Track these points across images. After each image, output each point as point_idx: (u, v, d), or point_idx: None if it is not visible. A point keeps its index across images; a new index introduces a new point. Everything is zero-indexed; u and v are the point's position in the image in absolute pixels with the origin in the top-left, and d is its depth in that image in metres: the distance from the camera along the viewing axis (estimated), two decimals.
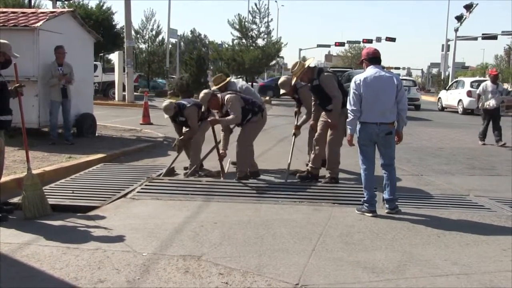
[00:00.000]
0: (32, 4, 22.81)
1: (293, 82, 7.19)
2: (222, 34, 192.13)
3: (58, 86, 9.25)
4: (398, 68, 66.32)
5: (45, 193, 5.38)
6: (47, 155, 7.96)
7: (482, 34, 40.38)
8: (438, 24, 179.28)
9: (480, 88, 12.06)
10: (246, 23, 32.16)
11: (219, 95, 6.95)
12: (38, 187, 5.25)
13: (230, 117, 6.66)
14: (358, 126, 5.41)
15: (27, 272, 3.70)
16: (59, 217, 5.07)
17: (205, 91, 6.91)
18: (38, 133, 9.49)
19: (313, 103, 7.24)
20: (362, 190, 5.47)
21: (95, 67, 20.34)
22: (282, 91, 7.76)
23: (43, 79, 9.33)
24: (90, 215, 5.16)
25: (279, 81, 7.81)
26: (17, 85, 5.30)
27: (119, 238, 4.42)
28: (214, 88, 7.54)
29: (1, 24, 9.20)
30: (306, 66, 6.85)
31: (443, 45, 42.78)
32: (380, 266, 3.88)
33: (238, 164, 6.93)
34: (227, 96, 6.75)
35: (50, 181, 6.46)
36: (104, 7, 31.20)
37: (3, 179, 5.56)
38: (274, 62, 38.25)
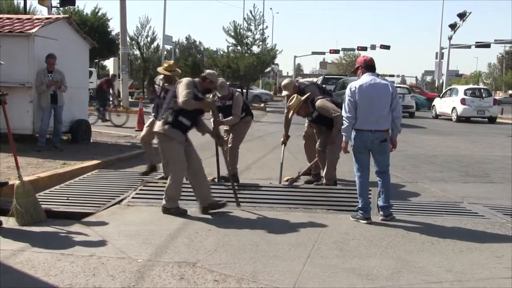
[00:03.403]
0: (28, 10, 22.78)
1: (290, 115, 7.15)
2: (217, 41, 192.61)
3: (47, 92, 9.22)
4: (392, 76, 66.54)
5: (40, 200, 5.37)
6: (42, 161, 7.93)
7: (476, 42, 40.65)
8: (432, 32, 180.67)
9: None
10: (241, 30, 32.23)
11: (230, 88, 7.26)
12: (31, 193, 5.21)
13: (232, 118, 6.99)
14: (353, 134, 5.43)
15: (21, 279, 3.69)
16: (53, 224, 5.05)
17: (223, 79, 7.14)
18: (33, 139, 9.46)
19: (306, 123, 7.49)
20: (357, 197, 5.49)
21: (90, 73, 20.30)
22: (284, 93, 7.47)
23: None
24: (84, 222, 5.14)
25: (283, 83, 7.70)
26: (0, 93, 5.23)
27: (114, 245, 4.41)
28: (165, 73, 7.09)
29: None
30: (302, 99, 6.91)
31: (437, 53, 42.98)
32: (375, 273, 3.89)
33: (230, 163, 7.01)
34: (236, 93, 7.16)
35: (44, 187, 6.45)
36: (99, 14, 31.29)
37: None
38: (269, 69, 38.36)
